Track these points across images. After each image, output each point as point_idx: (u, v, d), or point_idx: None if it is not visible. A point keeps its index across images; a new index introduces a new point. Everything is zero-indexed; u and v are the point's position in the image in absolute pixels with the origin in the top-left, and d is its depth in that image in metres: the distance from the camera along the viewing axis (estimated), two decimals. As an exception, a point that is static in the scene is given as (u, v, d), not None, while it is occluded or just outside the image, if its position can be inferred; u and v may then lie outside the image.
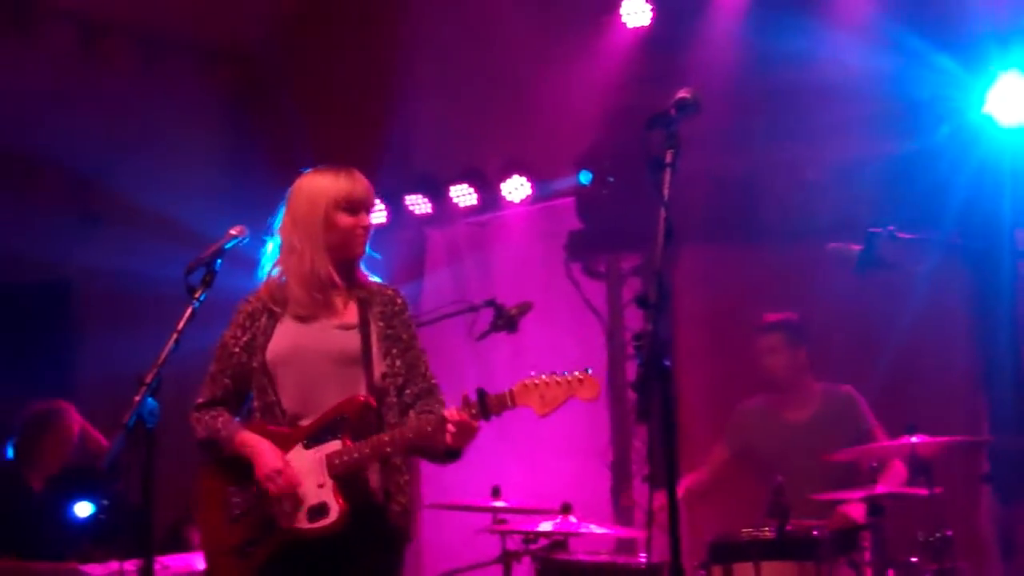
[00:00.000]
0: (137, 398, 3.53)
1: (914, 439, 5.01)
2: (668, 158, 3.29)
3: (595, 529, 5.39)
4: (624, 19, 6.88)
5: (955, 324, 6.35)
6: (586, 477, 7.08)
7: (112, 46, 7.75)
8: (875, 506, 4.98)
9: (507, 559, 5.43)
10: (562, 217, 7.31)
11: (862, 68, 6.19)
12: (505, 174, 7.44)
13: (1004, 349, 6.09)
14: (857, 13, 6.31)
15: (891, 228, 5.09)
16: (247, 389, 3.93)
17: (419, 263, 8.02)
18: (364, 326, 3.87)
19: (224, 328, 4.01)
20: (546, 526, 5.28)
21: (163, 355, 3.63)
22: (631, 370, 7.08)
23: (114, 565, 5.31)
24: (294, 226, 3.91)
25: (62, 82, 7.53)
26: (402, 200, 7.81)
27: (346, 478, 3.75)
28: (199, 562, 4.71)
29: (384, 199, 7.80)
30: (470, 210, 7.72)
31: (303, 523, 3.74)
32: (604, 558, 5.36)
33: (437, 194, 7.75)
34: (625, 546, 6.41)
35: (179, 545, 5.48)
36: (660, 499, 3.19)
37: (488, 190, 7.58)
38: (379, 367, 3.85)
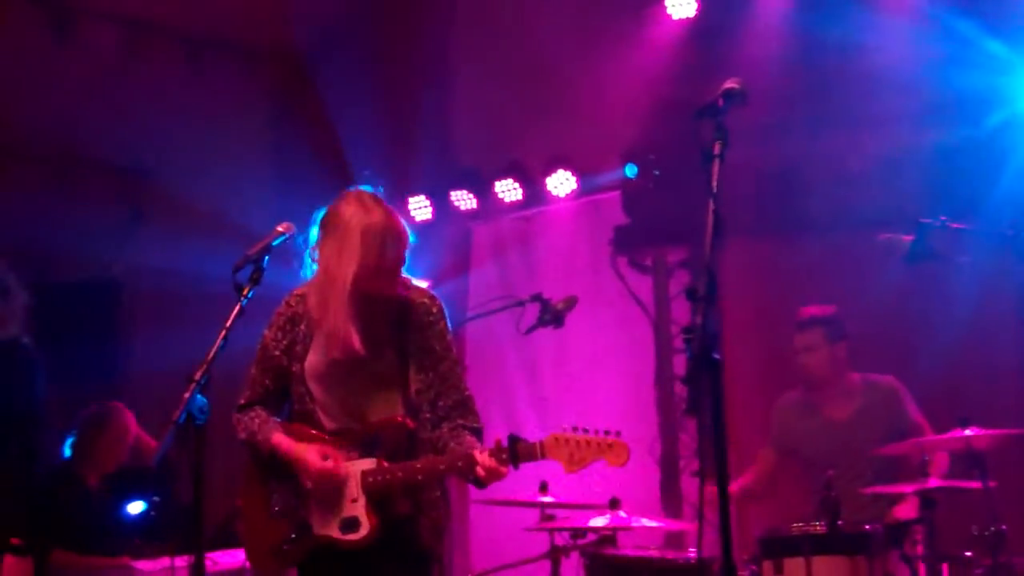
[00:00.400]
0: (187, 395, 3.55)
1: (968, 432, 4.94)
2: (716, 149, 3.25)
3: (647, 523, 5.36)
4: (669, 10, 6.84)
5: (1005, 316, 6.26)
6: (633, 472, 7.04)
7: (157, 46, 7.81)
8: (927, 500, 4.91)
9: (555, 554, 5.41)
10: (608, 211, 7.29)
11: (910, 56, 6.11)
12: (550, 169, 7.43)
13: (1055, 340, 6.01)
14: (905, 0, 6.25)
15: (943, 218, 5.02)
16: (286, 390, 3.98)
17: (464, 259, 8.03)
18: (399, 343, 3.90)
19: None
20: (597, 521, 5.25)
21: (212, 352, 3.64)
22: (678, 364, 7.05)
23: (165, 561, 5.36)
24: (330, 245, 3.87)
25: (108, 82, 7.60)
26: (447, 196, 7.81)
27: (380, 496, 3.82)
28: (248, 558, 4.73)
29: (429, 195, 7.82)
30: (515, 205, 7.72)
31: (335, 532, 3.83)
32: (653, 553, 5.32)
33: (482, 189, 7.75)
34: (673, 540, 6.37)
35: (229, 541, 5.50)
36: (711, 491, 3.16)
37: (533, 185, 7.57)
38: (414, 383, 3.90)
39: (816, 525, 4.84)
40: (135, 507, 5.93)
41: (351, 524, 3.81)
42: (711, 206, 3.16)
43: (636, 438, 7.14)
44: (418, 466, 3.80)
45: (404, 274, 3.99)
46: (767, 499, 6.19)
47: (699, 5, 6.77)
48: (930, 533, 4.92)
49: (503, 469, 3.73)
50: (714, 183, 3.21)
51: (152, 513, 5.84)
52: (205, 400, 3.58)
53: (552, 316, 5.81)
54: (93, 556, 5.64)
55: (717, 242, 3.16)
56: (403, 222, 3.90)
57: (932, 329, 6.14)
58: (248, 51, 8.33)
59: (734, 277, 6.78)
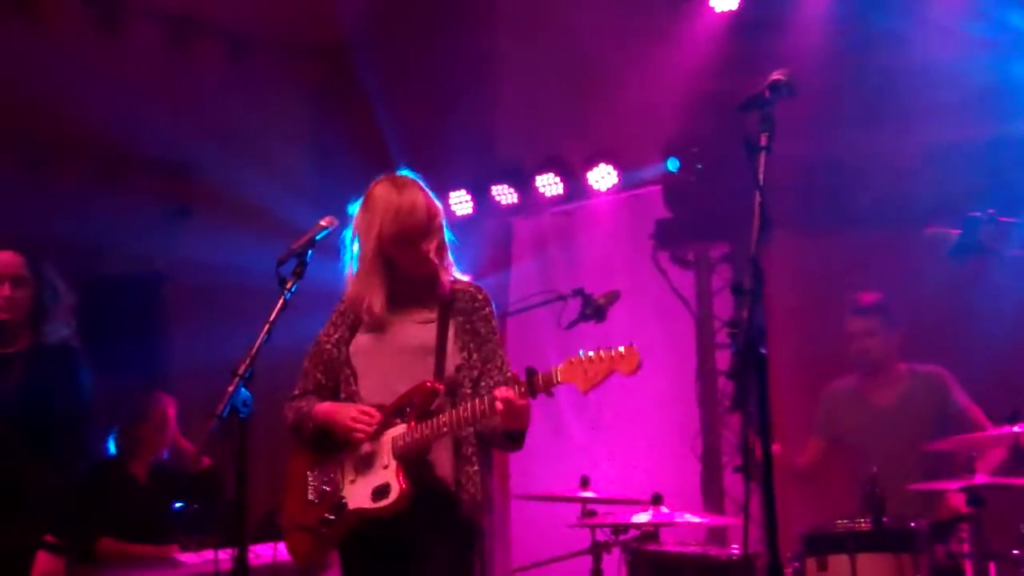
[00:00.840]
0: (230, 389, 3.56)
1: (1016, 428, 4.88)
2: (763, 141, 3.23)
3: (689, 519, 5.33)
4: (712, 3, 6.79)
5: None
6: (675, 467, 7.02)
7: (201, 42, 7.86)
8: (975, 497, 4.85)
9: (597, 550, 5.39)
10: (649, 205, 7.24)
11: (957, 47, 6.03)
12: (591, 163, 7.39)
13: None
14: (953, -11, 6.17)
15: (991, 212, 4.95)
16: (338, 384, 4.01)
17: (505, 253, 8.02)
18: (442, 320, 3.93)
19: (316, 320, 4.08)
20: (639, 517, 5.23)
21: (256, 346, 3.66)
22: (720, 359, 7.00)
23: (209, 554, 5.39)
24: (359, 223, 3.97)
25: (152, 78, 7.66)
26: (488, 190, 7.80)
27: (411, 460, 3.81)
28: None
29: (470, 190, 7.81)
30: (556, 199, 7.69)
31: (367, 503, 3.82)
32: (696, 549, 5.29)
33: (523, 184, 7.73)
34: (715, 536, 6.34)
35: (271, 534, 5.52)
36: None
37: (574, 179, 7.54)
38: (454, 359, 3.91)
39: (861, 522, 4.80)
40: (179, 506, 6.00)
41: (382, 491, 3.80)
42: (757, 199, 3.13)
43: (678, 433, 7.17)
44: (443, 419, 3.79)
45: (451, 265, 4.02)
46: (807, 495, 6.14)
47: (742, -2, 6.72)
48: (977, 530, 4.86)
49: (522, 401, 3.68)
50: (760, 175, 3.18)
51: (196, 506, 5.89)
52: (249, 394, 3.60)
53: (593, 311, 5.79)
54: (139, 545, 5.70)
55: (763, 236, 3.13)
56: (435, 200, 3.97)
57: (980, 324, 6.07)
58: (290, 47, 8.37)
59: (778, 271, 6.74)
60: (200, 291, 8.10)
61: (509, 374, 3.92)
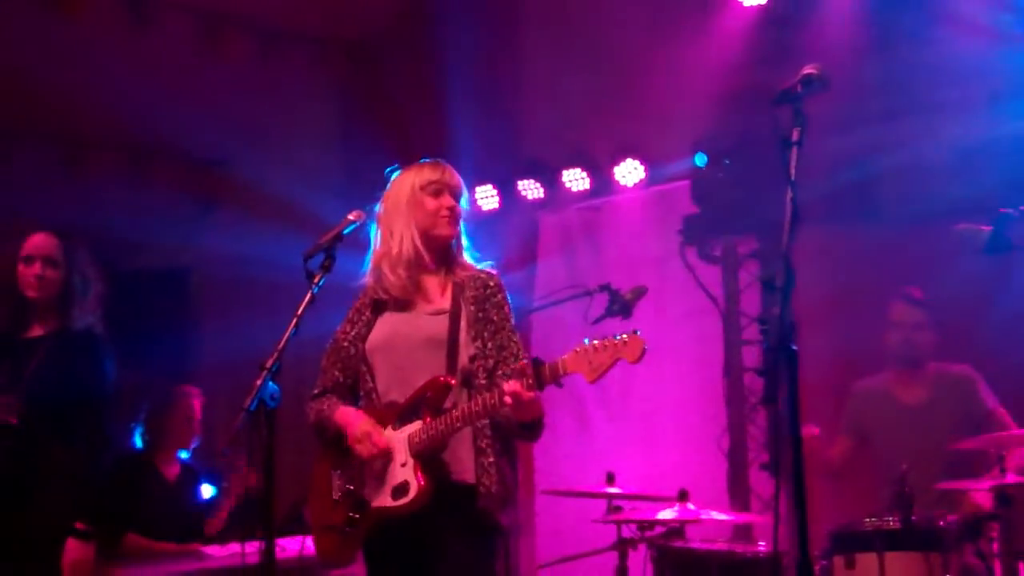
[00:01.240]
0: (258, 382, 3.57)
1: (1045, 427, 4.85)
2: (795, 136, 3.21)
3: (716, 515, 5.31)
4: (740, -2, 6.76)
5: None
6: (701, 463, 6.99)
7: (229, 37, 7.88)
8: (1004, 496, 4.82)
9: (623, 546, 5.38)
10: (676, 201, 7.21)
11: (986, 42, 5.98)
12: (618, 158, 7.37)
13: None
14: (980, -15, 6.12)
15: (1022, 208, 4.91)
16: (356, 380, 4.03)
17: (531, 248, 8.01)
18: (455, 311, 3.93)
19: (344, 314, 4.09)
20: (665, 514, 5.21)
21: (283, 340, 3.67)
22: (748, 355, 6.96)
23: (235, 547, 5.41)
24: (386, 213, 4.04)
25: (180, 72, 7.69)
26: (514, 185, 7.80)
27: (428, 457, 3.81)
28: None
29: (496, 184, 7.81)
30: (582, 194, 7.68)
31: (388, 501, 3.84)
32: (722, 546, 5.27)
33: (549, 179, 7.72)
34: (741, 533, 6.32)
35: (298, 527, 5.54)
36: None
37: (600, 174, 7.53)
38: (468, 350, 3.91)
39: (889, 520, 4.77)
40: (207, 491, 6.00)
41: (401, 489, 3.81)
42: (789, 194, 3.11)
43: (704, 430, 7.14)
44: (456, 414, 3.78)
45: (467, 257, 4.05)
46: (833, 493, 6.10)
47: (771, -7, 6.68)
48: (1006, 530, 4.82)
49: (529, 393, 3.66)
50: (792, 171, 3.16)
51: (220, 498, 5.91)
52: (276, 387, 3.61)
53: (620, 306, 5.78)
54: (164, 542, 5.71)
55: (793, 231, 3.11)
56: (458, 177, 4.06)
57: (1010, 322, 6.02)
58: (319, 41, 8.38)
59: (806, 267, 6.69)
60: (228, 285, 8.14)
61: (521, 363, 3.90)
